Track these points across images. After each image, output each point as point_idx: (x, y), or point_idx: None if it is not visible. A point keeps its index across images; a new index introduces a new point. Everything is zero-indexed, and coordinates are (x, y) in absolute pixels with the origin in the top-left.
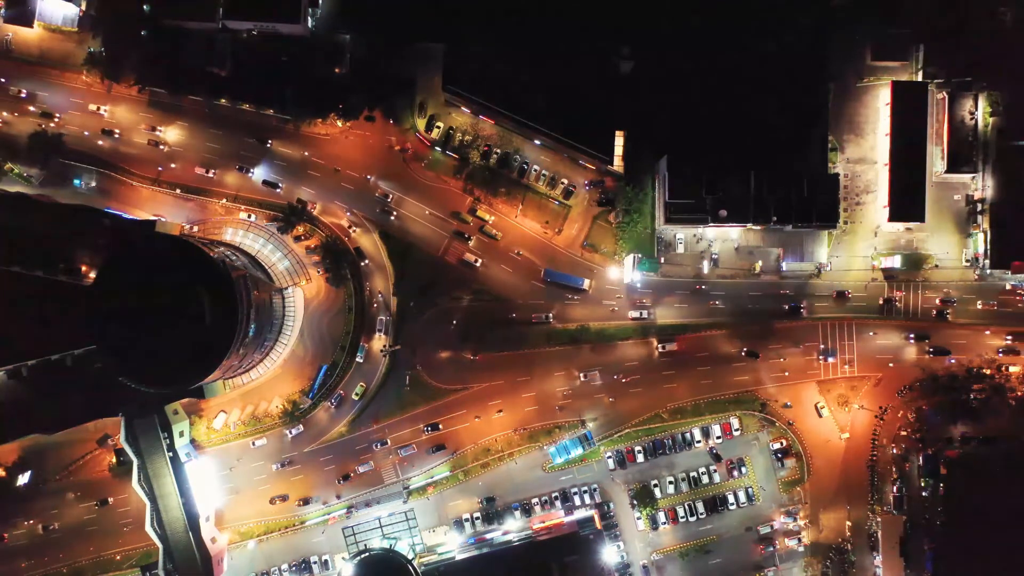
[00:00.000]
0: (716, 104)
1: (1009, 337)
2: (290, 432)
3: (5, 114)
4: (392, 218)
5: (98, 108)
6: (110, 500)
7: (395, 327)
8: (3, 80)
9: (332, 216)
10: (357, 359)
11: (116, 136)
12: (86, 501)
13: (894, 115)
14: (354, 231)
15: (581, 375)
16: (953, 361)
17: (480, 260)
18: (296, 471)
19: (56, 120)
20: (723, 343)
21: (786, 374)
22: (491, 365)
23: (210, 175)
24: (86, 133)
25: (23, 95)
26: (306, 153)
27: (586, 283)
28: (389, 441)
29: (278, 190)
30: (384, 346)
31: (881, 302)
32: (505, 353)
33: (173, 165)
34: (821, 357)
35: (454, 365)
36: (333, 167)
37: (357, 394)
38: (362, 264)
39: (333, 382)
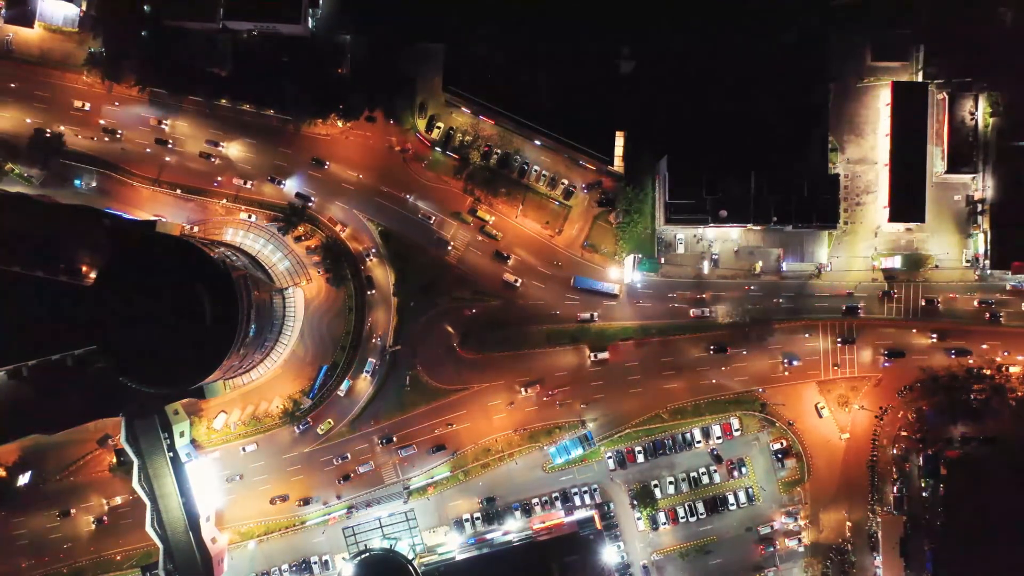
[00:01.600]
0: (716, 104)
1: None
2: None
3: (64, 128)
4: (450, 249)
5: (159, 122)
6: (72, 511)
7: (394, 329)
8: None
9: (357, 243)
10: (339, 392)
11: (170, 146)
12: (86, 501)
13: (894, 115)
14: (370, 259)
15: (522, 389)
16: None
17: (520, 280)
18: (296, 471)
19: (119, 135)
20: (690, 347)
21: (786, 374)
22: (491, 365)
23: (248, 186)
24: (148, 150)
25: (87, 108)
26: (360, 177)
27: (617, 288)
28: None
29: (310, 203)
30: (384, 346)
31: (880, 295)
32: (505, 353)
33: (219, 178)
34: (785, 361)
35: (454, 365)
36: (375, 186)
37: (322, 430)
38: (368, 293)
39: (333, 383)
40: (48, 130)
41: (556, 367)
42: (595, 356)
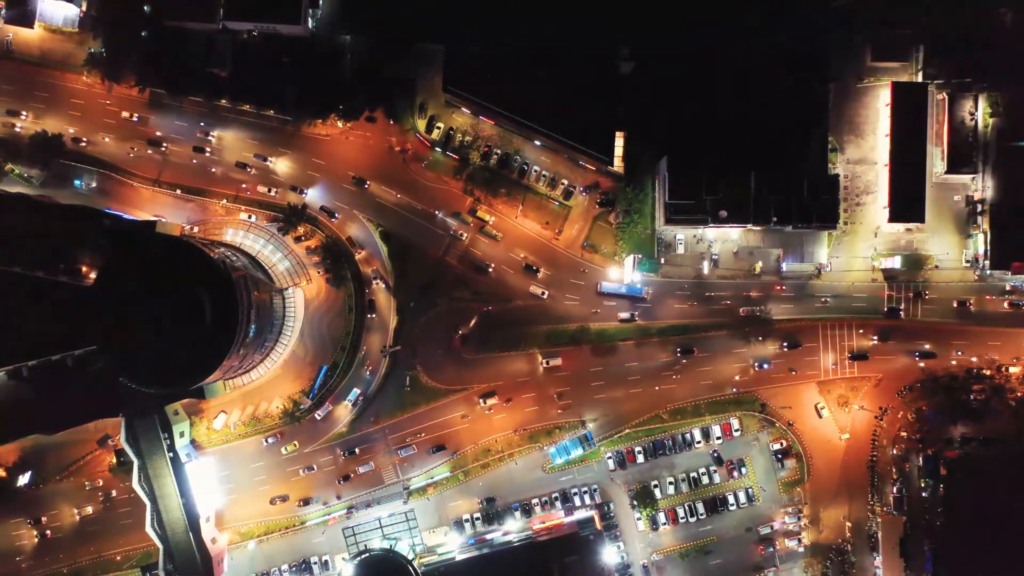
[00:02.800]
0: (716, 105)
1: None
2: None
3: (108, 139)
4: (491, 270)
5: (206, 134)
6: (43, 519)
7: (394, 329)
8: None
9: (367, 265)
10: (316, 415)
11: (208, 153)
12: (86, 502)
13: (894, 116)
14: (377, 283)
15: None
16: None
17: (547, 292)
18: (296, 471)
19: (164, 148)
20: (657, 351)
21: (793, 373)
22: (492, 365)
23: (272, 193)
24: (194, 161)
25: (135, 119)
26: (399, 197)
27: (646, 291)
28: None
29: (334, 219)
30: (384, 346)
31: (911, 295)
32: (506, 353)
33: (244, 184)
34: (756, 364)
35: (454, 365)
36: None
37: (287, 451)
38: (368, 316)
39: (333, 383)
40: (84, 139)
41: (514, 373)
42: (547, 363)
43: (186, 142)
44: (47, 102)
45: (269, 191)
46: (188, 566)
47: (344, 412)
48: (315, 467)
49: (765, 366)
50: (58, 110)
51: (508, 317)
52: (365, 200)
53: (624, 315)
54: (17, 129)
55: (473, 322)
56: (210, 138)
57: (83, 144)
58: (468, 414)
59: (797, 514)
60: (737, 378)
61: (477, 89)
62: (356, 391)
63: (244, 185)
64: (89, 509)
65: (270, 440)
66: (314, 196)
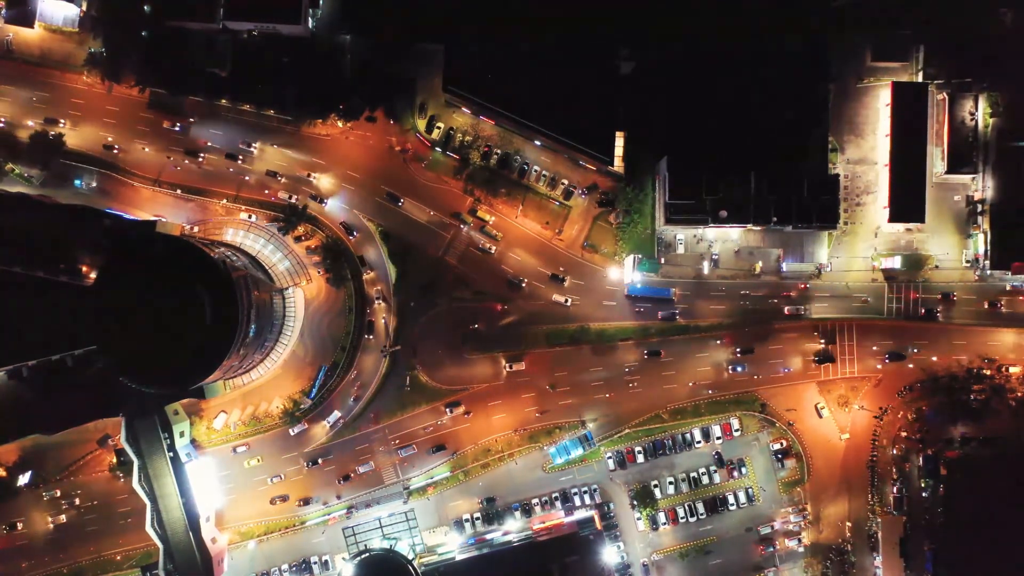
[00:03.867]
0: (716, 105)
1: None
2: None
3: (147, 148)
4: (523, 286)
5: (249, 145)
6: (19, 524)
7: (395, 329)
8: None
9: (372, 286)
10: (291, 431)
11: (240, 161)
12: (87, 501)
13: (894, 116)
14: (378, 303)
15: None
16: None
17: (571, 300)
18: (296, 471)
19: (202, 159)
20: (625, 353)
21: (785, 370)
22: (491, 365)
23: (293, 200)
24: (230, 170)
25: (177, 128)
26: (432, 214)
27: (674, 292)
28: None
29: (353, 236)
30: (384, 346)
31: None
32: (505, 353)
33: (267, 190)
34: (730, 368)
35: (454, 365)
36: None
37: (249, 464)
38: (366, 337)
39: (333, 383)
40: (116, 147)
41: (478, 377)
42: (510, 367)
43: (220, 151)
44: (48, 102)
45: (290, 197)
46: (188, 566)
47: (320, 432)
48: (282, 476)
49: (739, 369)
50: (95, 118)
51: (509, 317)
52: (365, 198)
53: (665, 313)
54: (51, 136)
55: (494, 319)
56: (252, 149)
57: (116, 151)
58: (432, 426)
59: (802, 512)
60: (703, 382)
61: (477, 89)
62: (337, 414)
63: (267, 190)
64: (63, 518)
65: (240, 449)
66: (334, 207)
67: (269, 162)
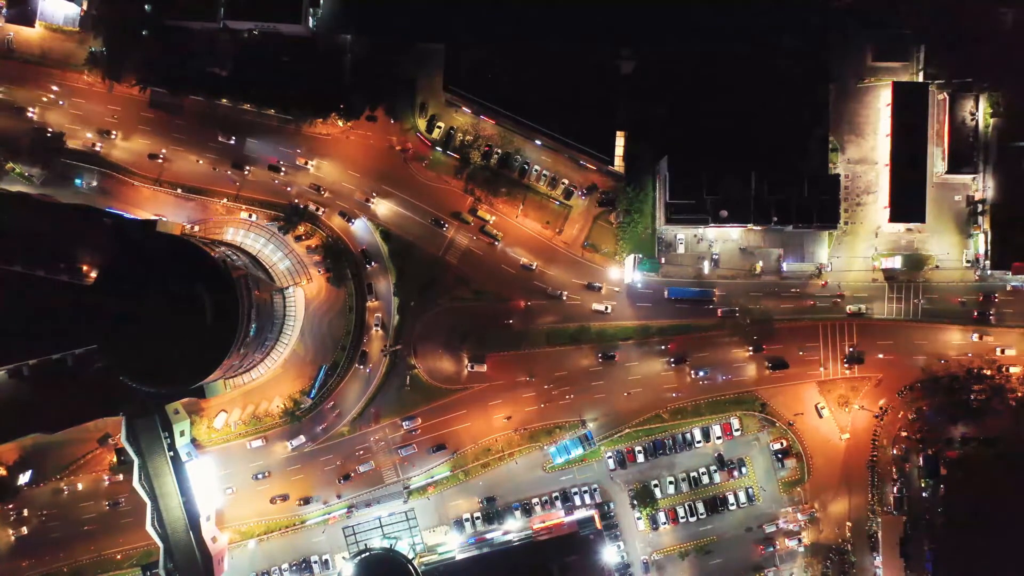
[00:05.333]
0: (717, 105)
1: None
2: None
3: (201, 161)
4: (565, 298)
5: (306, 162)
6: (19, 523)
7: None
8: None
9: (373, 314)
10: (248, 444)
11: (283, 172)
12: (87, 500)
13: (895, 116)
14: (377, 329)
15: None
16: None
17: (610, 307)
18: (296, 471)
19: (247, 171)
20: (581, 356)
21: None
22: (491, 365)
23: (319, 212)
24: (276, 180)
25: (232, 142)
26: (497, 242)
27: (714, 293)
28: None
29: (370, 266)
30: (385, 346)
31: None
32: (506, 353)
33: (318, 209)
34: (692, 372)
35: (455, 364)
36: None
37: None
38: (357, 367)
39: (333, 383)
40: (160, 154)
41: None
42: (471, 367)
43: (264, 162)
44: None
45: (318, 210)
46: (188, 565)
47: (281, 451)
48: (232, 489)
49: (701, 373)
50: (156, 129)
51: (508, 316)
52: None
53: (727, 309)
54: (97, 148)
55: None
56: (309, 166)
57: (161, 160)
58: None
59: (810, 511)
60: (669, 387)
61: (477, 89)
62: (302, 438)
63: (313, 207)
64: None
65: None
66: (360, 227)
67: (319, 178)
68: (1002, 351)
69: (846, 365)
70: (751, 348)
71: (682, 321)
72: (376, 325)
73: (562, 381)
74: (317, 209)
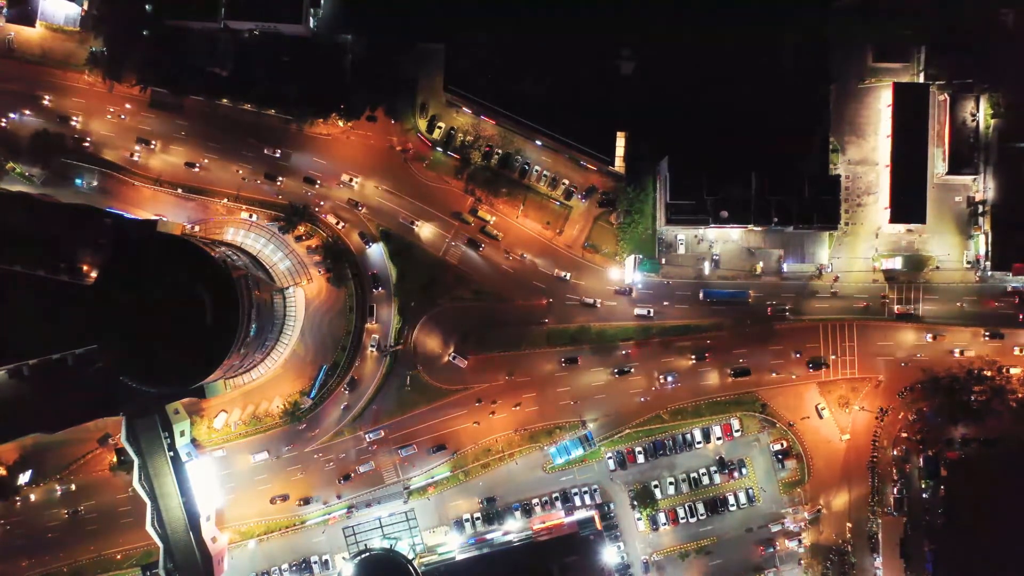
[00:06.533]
0: (717, 105)
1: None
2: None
3: (240, 171)
4: (599, 306)
5: (350, 179)
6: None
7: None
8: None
9: (370, 333)
10: (214, 454)
11: (319, 185)
12: (87, 500)
13: (895, 116)
14: (371, 351)
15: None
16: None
17: (652, 311)
18: (296, 471)
19: (280, 182)
20: (543, 361)
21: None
22: (492, 365)
23: (340, 226)
24: (309, 193)
25: (277, 155)
26: (529, 257)
27: (750, 294)
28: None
29: (376, 290)
30: (385, 346)
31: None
32: (506, 353)
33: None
34: (661, 378)
35: (455, 365)
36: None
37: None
38: (343, 390)
39: (333, 383)
40: (198, 164)
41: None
42: (453, 357)
43: (299, 174)
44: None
45: (338, 224)
46: (188, 565)
47: (244, 462)
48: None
49: (669, 378)
50: (194, 139)
51: (509, 317)
52: (365, 195)
53: (777, 307)
54: (136, 159)
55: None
56: (353, 183)
57: (197, 170)
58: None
59: (816, 509)
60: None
61: (478, 89)
62: (266, 454)
63: (339, 224)
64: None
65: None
66: (375, 252)
67: (362, 196)
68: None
69: (811, 368)
70: (694, 357)
71: (682, 322)
72: (372, 346)
73: (527, 386)
74: (338, 223)
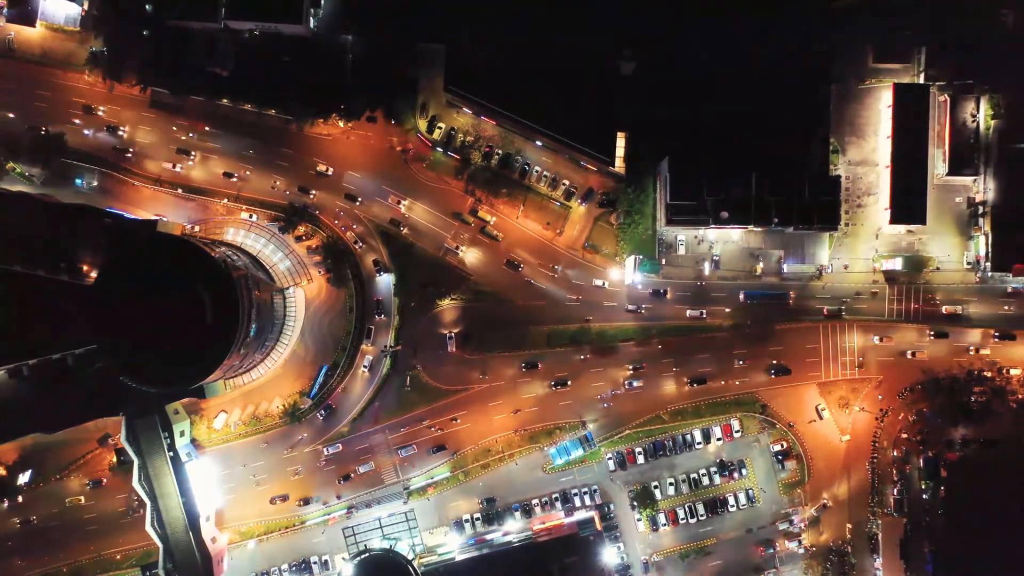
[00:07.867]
0: (717, 106)
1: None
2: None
3: (278, 182)
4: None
5: (398, 201)
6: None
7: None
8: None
9: (369, 348)
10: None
11: (360, 201)
12: (86, 500)
13: (896, 117)
14: (363, 370)
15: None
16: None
17: (705, 312)
18: (296, 471)
19: (313, 195)
20: (506, 365)
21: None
22: (492, 366)
23: (358, 246)
24: (341, 213)
25: (329, 172)
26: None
27: (791, 295)
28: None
29: (379, 316)
30: (385, 346)
31: None
32: (506, 353)
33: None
34: (626, 384)
35: (455, 365)
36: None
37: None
38: (322, 413)
39: (333, 383)
40: (236, 175)
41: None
42: (451, 337)
43: (339, 191)
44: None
45: (356, 243)
46: (188, 565)
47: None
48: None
49: (634, 384)
50: (231, 150)
51: (509, 317)
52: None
53: (834, 308)
54: (178, 169)
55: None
56: (400, 205)
57: (236, 179)
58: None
59: (822, 507)
60: (600, 398)
61: (478, 89)
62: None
63: (358, 245)
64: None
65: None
66: (383, 281)
67: (406, 218)
68: None
69: (772, 374)
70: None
71: (683, 322)
72: (364, 367)
73: (496, 391)
74: (355, 241)
